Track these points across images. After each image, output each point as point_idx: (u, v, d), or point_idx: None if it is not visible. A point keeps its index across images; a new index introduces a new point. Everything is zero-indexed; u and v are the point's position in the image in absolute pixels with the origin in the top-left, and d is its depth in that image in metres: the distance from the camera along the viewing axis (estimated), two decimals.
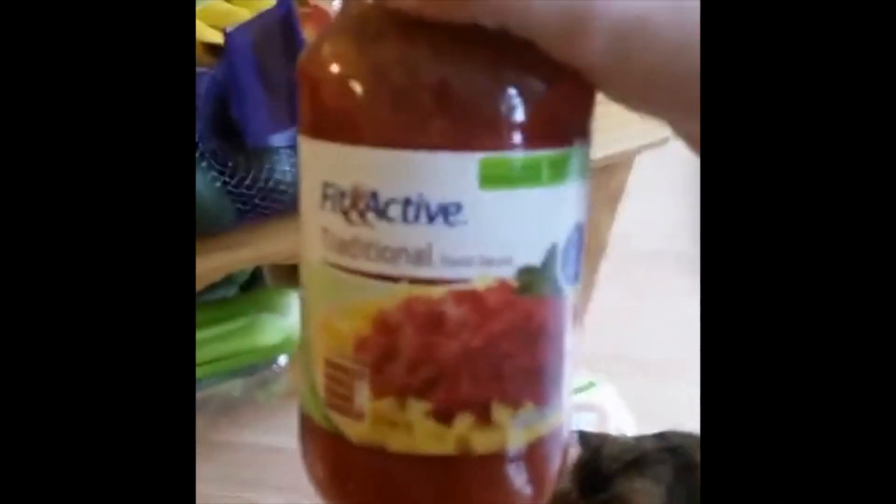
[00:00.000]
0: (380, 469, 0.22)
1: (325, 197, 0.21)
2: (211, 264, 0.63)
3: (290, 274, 0.98)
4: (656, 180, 1.24)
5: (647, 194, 1.22)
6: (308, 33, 0.64)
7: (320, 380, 0.23)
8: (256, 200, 0.61)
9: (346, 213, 0.21)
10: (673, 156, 1.29)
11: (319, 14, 0.66)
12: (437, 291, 0.20)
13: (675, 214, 1.25)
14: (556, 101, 0.21)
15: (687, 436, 0.83)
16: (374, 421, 0.22)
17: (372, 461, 0.22)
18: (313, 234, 0.22)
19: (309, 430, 0.24)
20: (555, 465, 0.25)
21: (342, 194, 0.21)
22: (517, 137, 0.20)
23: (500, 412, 0.22)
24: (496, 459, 0.22)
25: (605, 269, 1.08)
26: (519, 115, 0.20)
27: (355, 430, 0.22)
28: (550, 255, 0.21)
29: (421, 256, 0.20)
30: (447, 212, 0.20)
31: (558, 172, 0.21)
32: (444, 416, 0.21)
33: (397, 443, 0.22)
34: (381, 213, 0.20)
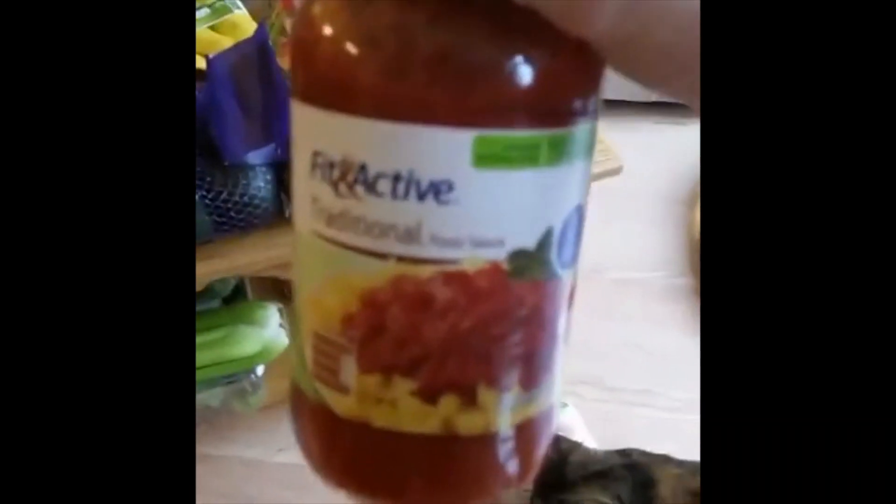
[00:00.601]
0: (364, 443, 0.22)
1: (314, 166, 0.20)
2: None
3: (271, 288, 1.02)
4: (628, 210, 1.29)
5: (618, 224, 1.26)
6: (286, 62, 0.69)
7: (308, 352, 0.22)
8: (232, 214, 0.65)
9: (334, 185, 0.20)
10: (643, 186, 1.33)
11: None
12: (425, 271, 0.19)
13: (646, 244, 1.29)
14: (559, 78, 0.19)
15: (648, 454, 0.86)
16: (359, 396, 0.21)
17: (357, 435, 0.22)
18: (304, 203, 0.21)
19: (298, 401, 0.24)
20: (541, 446, 0.24)
21: (331, 164, 0.20)
22: (515, 115, 0.19)
23: (486, 395, 0.21)
24: (480, 440, 0.22)
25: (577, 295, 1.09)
26: (518, 91, 0.19)
27: (341, 404, 0.21)
28: (546, 238, 0.20)
29: (410, 234, 0.19)
30: (438, 190, 0.19)
31: (559, 153, 0.20)
32: (429, 395, 0.21)
33: (382, 419, 0.21)
34: (370, 188, 0.19)
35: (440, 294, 0.20)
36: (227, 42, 0.68)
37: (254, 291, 0.94)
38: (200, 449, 1.06)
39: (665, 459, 0.84)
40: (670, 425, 1.03)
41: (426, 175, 0.19)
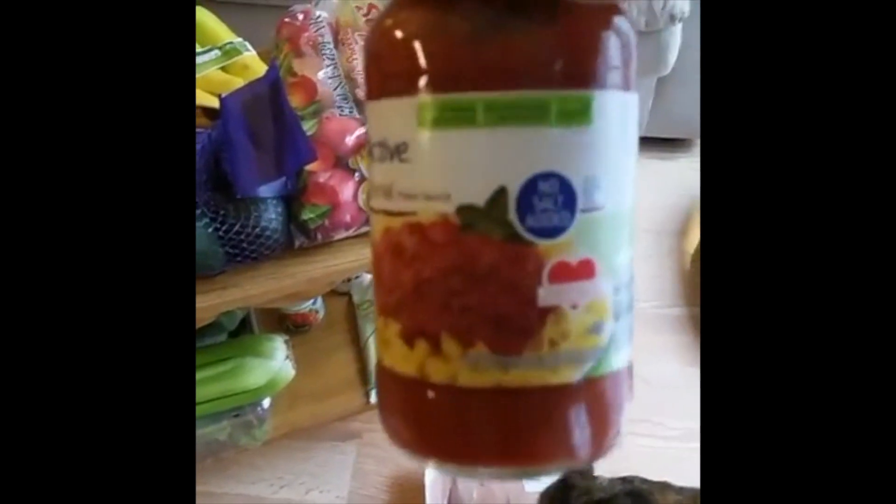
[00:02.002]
0: (379, 378, 0.26)
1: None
2: (202, 304, 0.70)
3: (277, 322, 1.03)
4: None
5: None
6: (296, 100, 0.72)
7: None
8: (244, 245, 0.67)
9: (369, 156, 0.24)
10: (643, 221, 1.35)
11: (307, 83, 0.74)
12: (397, 222, 0.23)
13: (639, 276, 1.32)
14: (480, 43, 0.21)
15: (649, 481, 0.88)
16: (377, 335, 0.25)
17: (379, 373, 0.26)
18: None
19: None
20: (536, 429, 0.23)
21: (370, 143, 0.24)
22: (445, 81, 0.21)
23: (449, 345, 0.22)
24: (448, 391, 0.23)
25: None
26: (438, 62, 0.22)
27: (378, 348, 0.26)
28: (497, 197, 0.21)
29: (387, 191, 0.23)
30: (399, 150, 0.22)
31: (499, 116, 0.21)
32: (408, 338, 0.23)
33: (384, 357, 0.25)
34: (371, 155, 0.24)
35: (407, 242, 0.23)
36: (237, 82, 0.71)
37: (260, 325, 0.95)
38: (203, 487, 1.06)
39: (665, 486, 0.86)
40: (670, 454, 1.04)
41: (392, 139, 0.23)
